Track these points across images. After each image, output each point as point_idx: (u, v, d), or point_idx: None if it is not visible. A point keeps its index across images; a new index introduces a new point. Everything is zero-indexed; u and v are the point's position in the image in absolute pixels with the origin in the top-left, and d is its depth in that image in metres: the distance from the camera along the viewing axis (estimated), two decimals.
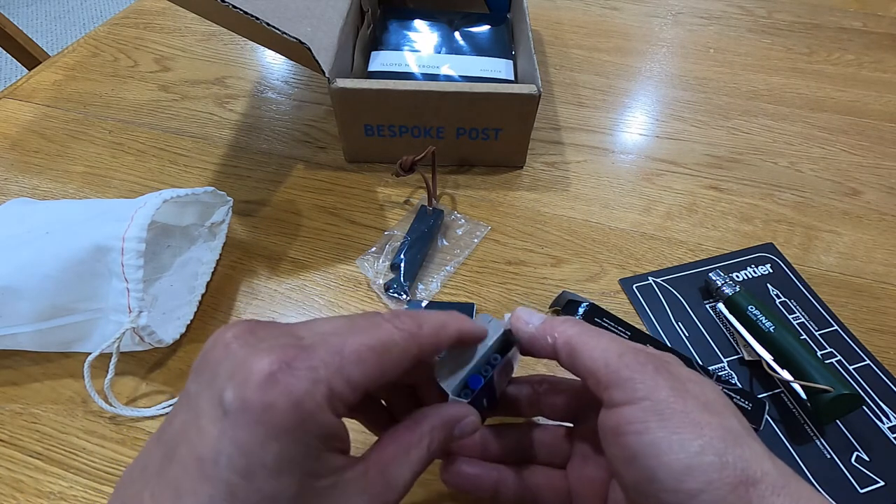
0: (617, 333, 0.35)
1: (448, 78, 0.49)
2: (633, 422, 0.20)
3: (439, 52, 0.52)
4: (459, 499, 0.30)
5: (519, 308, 0.25)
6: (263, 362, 0.17)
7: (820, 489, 0.31)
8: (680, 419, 0.19)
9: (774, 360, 0.34)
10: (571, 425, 0.27)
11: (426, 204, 0.44)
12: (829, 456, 0.32)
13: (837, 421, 0.34)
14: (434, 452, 0.21)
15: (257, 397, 0.16)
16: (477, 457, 0.26)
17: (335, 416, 0.18)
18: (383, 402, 0.26)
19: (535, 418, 0.28)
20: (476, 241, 0.43)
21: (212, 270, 0.39)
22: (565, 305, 0.37)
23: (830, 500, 0.20)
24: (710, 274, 0.40)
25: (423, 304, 0.38)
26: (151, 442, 0.18)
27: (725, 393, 0.32)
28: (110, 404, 0.31)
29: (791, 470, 0.20)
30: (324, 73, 0.39)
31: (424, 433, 0.21)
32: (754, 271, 0.42)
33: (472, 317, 0.37)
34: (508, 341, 0.25)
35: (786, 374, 0.34)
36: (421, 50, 0.52)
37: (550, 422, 0.28)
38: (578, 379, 0.23)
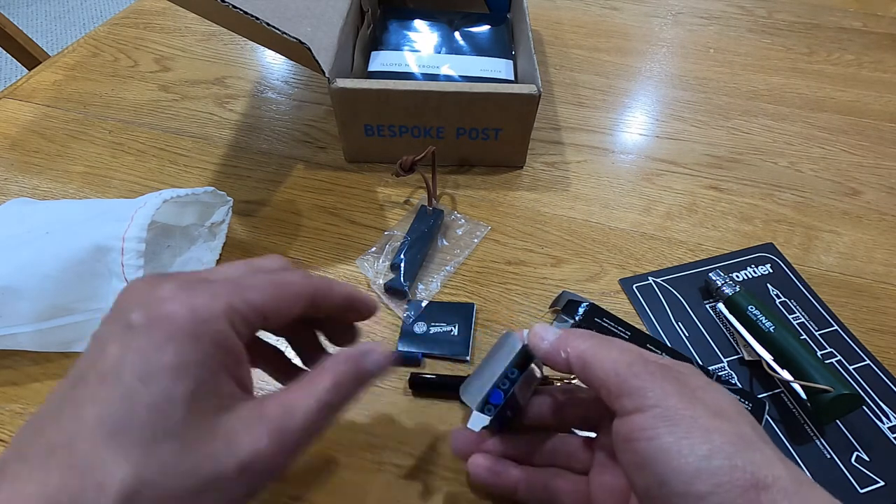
0: (617, 333, 0.35)
1: (448, 78, 0.49)
2: (644, 428, 0.20)
3: (439, 52, 0.52)
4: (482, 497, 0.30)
5: (536, 325, 0.26)
6: (167, 286, 0.19)
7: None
8: (689, 424, 0.20)
9: (774, 360, 0.34)
10: (594, 435, 0.28)
11: (426, 204, 0.44)
12: (829, 456, 0.32)
13: (837, 421, 0.34)
14: (342, 386, 0.21)
15: (158, 310, 0.18)
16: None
17: (234, 332, 0.19)
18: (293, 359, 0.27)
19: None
20: (476, 241, 0.43)
21: None
22: (565, 305, 0.37)
23: None
24: (710, 274, 0.40)
25: (424, 303, 0.38)
26: (61, 383, 0.19)
27: None
28: None
29: (806, 476, 0.20)
30: (324, 73, 0.39)
31: (328, 368, 0.21)
32: (754, 271, 0.42)
33: (472, 316, 0.37)
34: (528, 356, 0.26)
35: (786, 374, 0.34)
36: (421, 50, 0.52)
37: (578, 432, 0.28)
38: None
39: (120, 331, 0.18)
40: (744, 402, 0.32)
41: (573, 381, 0.34)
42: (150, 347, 0.17)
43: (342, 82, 0.41)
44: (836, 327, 0.39)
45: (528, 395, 0.27)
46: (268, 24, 0.35)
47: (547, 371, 0.35)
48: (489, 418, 0.24)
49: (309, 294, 0.22)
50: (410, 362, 0.26)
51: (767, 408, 0.34)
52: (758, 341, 0.36)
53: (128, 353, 0.17)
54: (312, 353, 0.26)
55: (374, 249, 0.42)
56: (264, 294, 0.20)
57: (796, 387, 0.33)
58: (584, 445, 0.27)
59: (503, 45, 0.53)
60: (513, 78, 0.50)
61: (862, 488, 0.31)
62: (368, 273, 0.40)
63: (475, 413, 0.24)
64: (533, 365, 0.26)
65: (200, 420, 0.17)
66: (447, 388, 0.33)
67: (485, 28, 0.55)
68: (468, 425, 0.24)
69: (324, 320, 0.25)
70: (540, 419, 0.28)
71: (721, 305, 0.38)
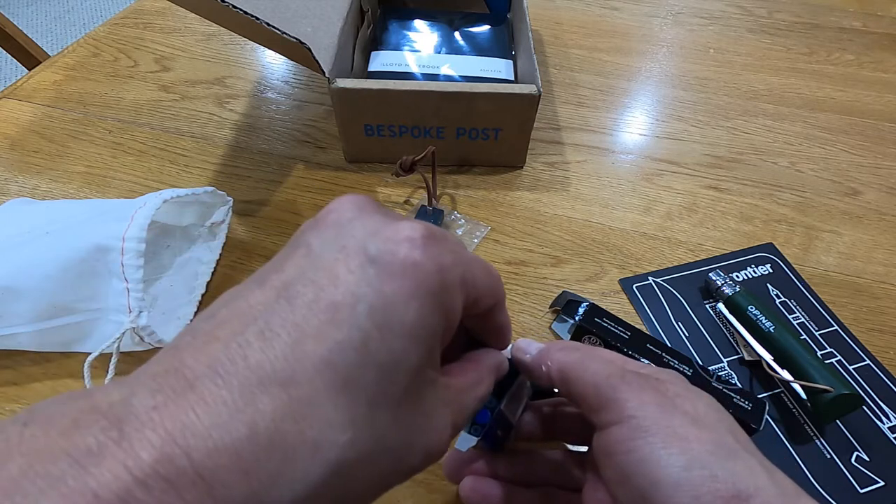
0: (617, 333, 0.35)
1: (448, 78, 0.49)
2: (622, 441, 0.20)
3: (439, 52, 0.52)
4: None
5: (519, 339, 0.25)
6: (413, 227, 0.16)
7: (820, 489, 0.31)
8: (666, 434, 0.19)
9: (774, 360, 0.34)
10: (585, 449, 0.27)
11: (426, 204, 0.44)
12: (829, 456, 0.32)
13: (837, 421, 0.34)
14: (486, 397, 0.21)
15: (407, 253, 0.15)
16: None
17: (460, 306, 0.17)
18: None
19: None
20: (476, 241, 0.43)
21: (212, 270, 0.39)
22: (565, 305, 0.37)
23: None
24: (710, 274, 0.40)
25: None
26: (248, 286, 0.16)
27: (725, 393, 0.32)
28: None
29: (796, 487, 0.19)
30: (324, 73, 0.39)
31: (486, 371, 0.21)
32: (754, 271, 0.42)
33: None
34: (514, 371, 0.25)
35: (786, 374, 0.34)
36: (421, 50, 0.52)
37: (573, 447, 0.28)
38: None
39: (354, 254, 0.15)
40: (744, 402, 0.32)
41: None
42: (397, 294, 0.15)
43: (342, 82, 0.41)
44: (836, 327, 0.39)
45: (519, 411, 0.27)
46: (268, 24, 0.35)
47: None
48: (476, 440, 0.23)
49: (499, 298, 0.20)
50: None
51: (767, 408, 0.34)
52: (758, 341, 0.36)
53: (367, 292, 0.14)
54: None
55: None
56: (484, 277, 0.18)
57: (796, 387, 0.33)
58: (576, 462, 0.26)
59: (503, 45, 0.53)
60: (513, 78, 0.50)
61: (862, 488, 0.31)
62: None
63: (463, 434, 0.24)
64: (521, 380, 0.25)
65: (413, 395, 0.15)
66: None
67: (485, 28, 0.55)
68: (456, 446, 0.24)
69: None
70: (532, 435, 0.27)
71: (721, 305, 0.38)
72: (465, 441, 0.23)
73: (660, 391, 0.21)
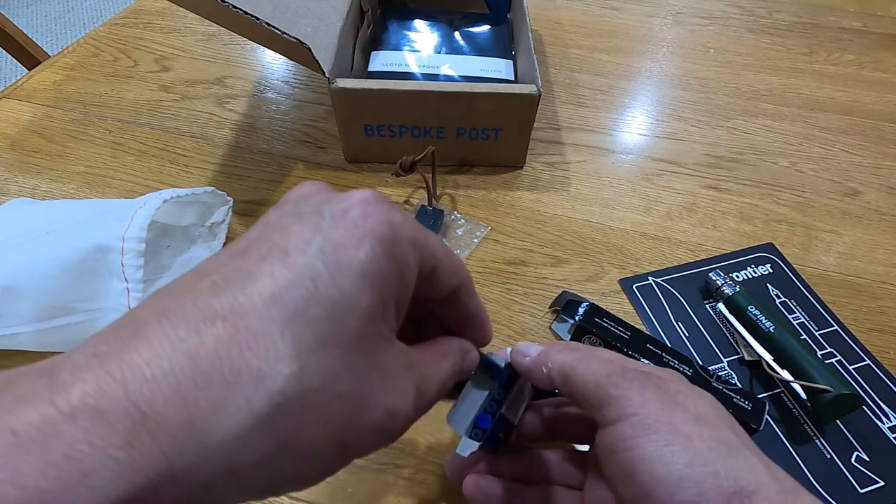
0: (617, 333, 0.35)
1: (448, 78, 0.49)
2: (624, 438, 0.20)
3: (439, 52, 0.52)
4: None
5: (518, 343, 0.26)
6: (364, 192, 0.17)
7: (820, 489, 0.31)
8: (668, 431, 0.19)
9: (774, 360, 0.34)
10: (587, 448, 0.27)
11: (426, 204, 0.44)
12: (829, 456, 0.32)
13: (837, 421, 0.34)
14: (454, 375, 0.21)
15: (356, 208, 0.16)
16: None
17: (414, 265, 0.17)
18: None
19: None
20: (476, 241, 0.43)
21: None
22: (565, 305, 0.37)
23: None
24: (710, 274, 0.40)
25: None
26: (218, 254, 0.16)
27: (725, 393, 0.33)
28: None
29: (795, 484, 0.19)
30: (324, 73, 0.39)
31: (451, 349, 0.21)
32: (754, 271, 0.42)
33: None
34: (514, 374, 0.25)
35: (786, 374, 0.34)
36: (421, 50, 0.52)
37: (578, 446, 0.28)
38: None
39: (308, 215, 0.16)
40: (744, 402, 0.32)
41: None
42: (346, 238, 0.15)
43: (342, 82, 0.41)
44: (836, 327, 0.39)
45: (520, 413, 0.27)
46: (268, 24, 0.35)
47: None
48: (479, 445, 0.23)
49: (464, 279, 0.20)
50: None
51: (767, 408, 0.34)
52: (758, 341, 0.36)
53: (317, 236, 0.15)
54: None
55: None
56: (442, 249, 0.18)
57: (796, 387, 0.33)
58: (577, 460, 0.27)
59: (503, 45, 0.53)
60: (513, 78, 0.50)
61: (862, 488, 0.31)
62: None
63: (465, 439, 0.24)
64: (521, 382, 0.25)
65: (366, 343, 0.15)
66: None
67: (485, 28, 0.55)
68: (457, 451, 0.24)
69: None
70: (533, 435, 0.27)
71: (721, 305, 0.38)
72: (467, 446, 0.23)
73: (661, 388, 0.21)
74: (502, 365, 0.25)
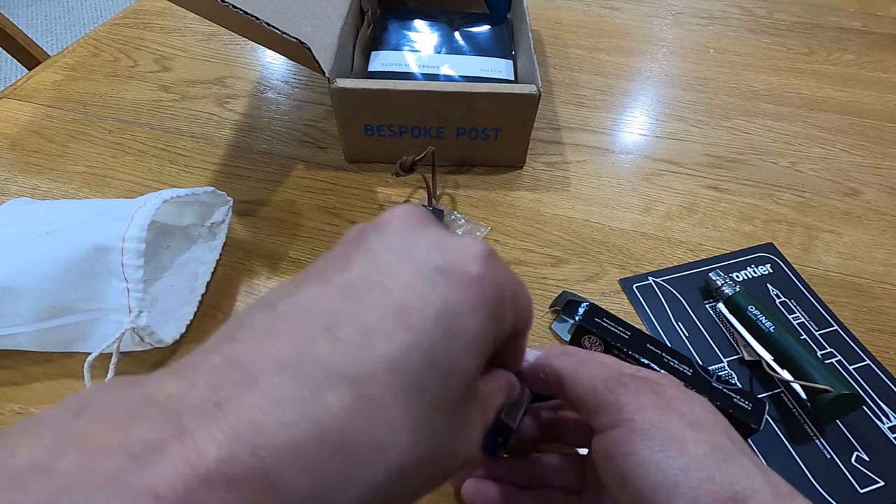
0: (617, 333, 0.35)
1: (448, 78, 0.49)
2: (620, 444, 0.20)
3: (439, 52, 0.52)
4: None
5: None
6: (476, 243, 0.17)
7: (820, 489, 0.31)
8: (664, 436, 0.19)
9: (774, 360, 0.34)
10: (585, 451, 0.27)
11: (426, 204, 0.44)
12: (829, 456, 0.32)
13: (837, 421, 0.34)
14: (502, 406, 0.21)
15: (473, 267, 0.16)
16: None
17: (510, 323, 0.18)
18: None
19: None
20: None
21: (212, 270, 0.39)
22: (565, 305, 0.37)
23: None
24: (710, 274, 0.40)
25: None
26: (307, 280, 0.16)
27: (725, 393, 0.33)
28: None
29: (791, 489, 0.19)
30: (324, 73, 0.39)
31: (505, 384, 0.22)
32: (754, 271, 0.42)
33: None
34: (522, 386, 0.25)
35: (786, 374, 0.34)
36: (421, 50, 0.52)
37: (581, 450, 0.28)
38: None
39: (416, 267, 0.15)
40: (744, 402, 0.32)
41: None
42: (462, 306, 0.15)
43: (342, 82, 0.41)
44: (836, 327, 0.39)
45: (518, 417, 0.27)
46: (268, 24, 0.35)
47: None
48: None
49: (529, 324, 0.21)
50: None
51: (767, 408, 0.34)
52: (758, 341, 0.36)
53: (435, 299, 0.15)
54: None
55: None
56: (525, 299, 0.19)
57: (796, 387, 0.33)
58: (575, 464, 0.27)
59: (503, 45, 0.53)
60: (513, 78, 0.50)
61: (862, 488, 0.31)
62: None
63: None
64: (525, 396, 0.25)
65: (464, 401, 0.16)
66: None
67: (485, 28, 0.55)
68: None
69: None
70: (531, 439, 0.27)
71: (721, 305, 0.38)
72: None
73: (657, 393, 0.21)
74: None
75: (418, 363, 0.14)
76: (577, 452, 0.28)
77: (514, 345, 0.21)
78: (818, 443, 0.33)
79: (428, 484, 0.16)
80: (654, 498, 0.18)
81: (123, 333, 0.31)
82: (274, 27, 0.36)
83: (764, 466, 0.20)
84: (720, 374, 0.36)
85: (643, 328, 0.38)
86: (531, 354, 0.25)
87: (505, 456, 0.27)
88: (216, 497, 0.11)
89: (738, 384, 0.35)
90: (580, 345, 0.36)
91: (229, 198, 0.41)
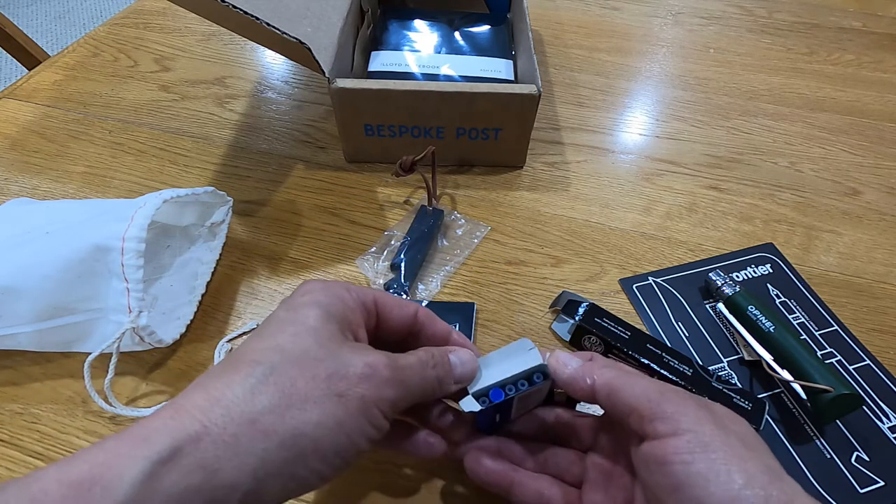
0: (617, 333, 0.35)
1: (448, 78, 0.49)
2: (680, 452, 0.21)
3: (439, 52, 0.52)
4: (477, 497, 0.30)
5: (558, 351, 0.27)
6: (307, 287, 0.25)
7: (820, 489, 0.31)
8: (725, 452, 0.20)
9: (774, 360, 0.34)
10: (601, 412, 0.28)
11: (426, 204, 0.44)
12: (829, 456, 0.32)
13: (837, 421, 0.34)
14: (424, 363, 0.24)
15: (301, 300, 0.24)
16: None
17: (355, 305, 0.25)
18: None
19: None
20: (476, 241, 0.43)
21: (212, 270, 0.39)
22: (565, 305, 0.37)
23: None
24: (710, 274, 0.40)
25: (424, 303, 0.38)
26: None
27: (726, 393, 0.33)
28: (110, 404, 0.31)
29: None
30: (324, 73, 0.39)
31: (420, 351, 0.25)
32: (754, 271, 0.42)
33: (472, 316, 0.37)
34: (542, 374, 0.26)
35: (786, 374, 0.34)
36: (421, 50, 0.52)
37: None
38: (592, 415, 0.27)
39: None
40: (744, 402, 0.32)
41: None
42: (296, 318, 0.23)
43: (342, 82, 0.41)
44: (836, 327, 0.39)
45: (522, 411, 0.28)
46: (268, 24, 0.35)
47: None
48: (479, 409, 0.25)
49: (416, 307, 0.27)
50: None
51: (767, 408, 0.34)
52: (758, 341, 0.36)
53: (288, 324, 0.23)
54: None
55: (374, 249, 0.42)
56: (388, 297, 0.26)
57: (796, 387, 0.33)
58: (576, 459, 0.27)
59: (503, 45, 0.53)
60: (513, 78, 0.50)
61: (862, 488, 0.31)
62: (368, 273, 0.40)
63: (470, 398, 0.25)
64: (542, 385, 0.26)
65: (329, 339, 0.22)
66: None
67: (485, 28, 0.55)
68: (461, 404, 0.25)
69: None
70: (525, 432, 0.28)
71: (721, 305, 0.38)
72: (470, 404, 0.25)
73: (711, 411, 0.22)
74: (538, 362, 0.26)
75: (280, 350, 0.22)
76: (587, 412, 0.29)
77: (430, 328, 0.27)
78: (818, 443, 0.33)
79: (336, 380, 0.21)
80: None
81: (123, 333, 0.31)
82: (274, 27, 0.36)
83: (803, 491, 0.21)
84: (720, 374, 0.36)
85: (643, 328, 0.38)
86: (574, 361, 0.26)
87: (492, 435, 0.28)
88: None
89: (738, 384, 0.35)
90: (580, 345, 0.36)
91: (229, 198, 0.41)
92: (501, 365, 0.26)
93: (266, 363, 0.20)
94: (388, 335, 0.27)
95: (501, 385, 0.25)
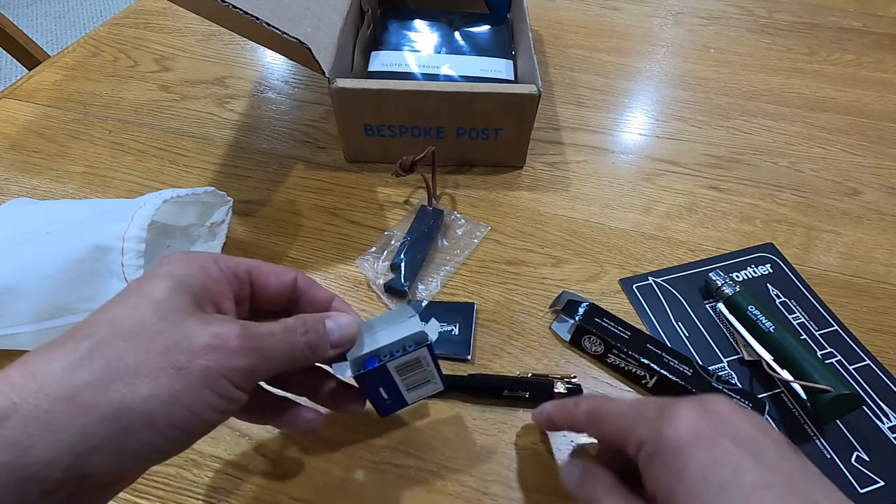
0: (617, 333, 0.35)
1: (448, 78, 0.49)
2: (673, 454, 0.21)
3: (439, 52, 0.52)
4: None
5: (546, 403, 0.29)
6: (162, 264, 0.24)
7: None
8: (718, 451, 0.21)
9: (774, 360, 0.34)
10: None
11: (426, 204, 0.44)
12: (829, 456, 0.32)
13: (837, 421, 0.34)
14: (290, 331, 0.24)
15: (158, 271, 0.23)
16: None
17: (218, 274, 0.24)
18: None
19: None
20: (476, 241, 0.43)
21: None
22: (565, 305, 0.37)
23: None
24: (710, 274, 0.40)
25: (424, 303, 0.38)
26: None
27: (725, 393, 0.33)
28: None
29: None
30: (324, 73, 0.39)
31: (287, 319, 0.24)
32: (754, 271, 0.42)
33: (472, 316, 0.37)
34: (414, 343, 0.26)
35: (786, 374, 0.34)
36: (421, 50, 0.52)
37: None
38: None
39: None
40: (744, 402, 0.32)
41: (573, 379, 0.34)
42: (147, 291, 0.22)
43: (342, 82, 0.41)
44: (836, 327, 0.39)
45: (412, 387, 0.27)
46: (268, 24, 0.35)
47: (545, 370, 0.35)
48: (350, 374, 0.25)
49: (295, 273, 0.26)
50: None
51: (767, 408, 0.34)
52: (758, 341, 0.36)
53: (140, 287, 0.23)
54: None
55: (374, 249, 0.42)
56: (264, 265, 0.26)
57: (796, 387, 0.33)
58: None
59: (503, 45, 0.53)
60: (513, 78, 0.50)
61: (862, 488, 0.31)
62: (368, 273, 0.40)
63: (343, 364, 0.25)
64: (415, 355, 0.26)
65: (174, 312, 0.21)
66: (447, 388, 0.33)
67: (485, 28, 0.55)
68: (332, 367, 0.25)
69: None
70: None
71: (721, 305, 0.38)
72: (342, 368, 0.25)
73: (705, 409, 0.23)
74: (418, 329, 0.26)
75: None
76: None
77: (311, 294, 0.27)
78: (818, 443, 0.33)
79: (176, 352, 0.20)
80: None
81: None
82: (274, 27, 0.36)
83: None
84: (720, 374, 0.36)
85: (643, 328, 0.38)
86: (549, 403, 0.28)
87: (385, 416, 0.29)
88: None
89: (738, 384, 0.35)
90: (580, 345, 0.36)
91: (229, 198, 0.41)
92: (386, 332, 0.26)
93: (94, 336, 0.20)
94: (267, 304, 0.26)
95: (377, 353, 0.25)
